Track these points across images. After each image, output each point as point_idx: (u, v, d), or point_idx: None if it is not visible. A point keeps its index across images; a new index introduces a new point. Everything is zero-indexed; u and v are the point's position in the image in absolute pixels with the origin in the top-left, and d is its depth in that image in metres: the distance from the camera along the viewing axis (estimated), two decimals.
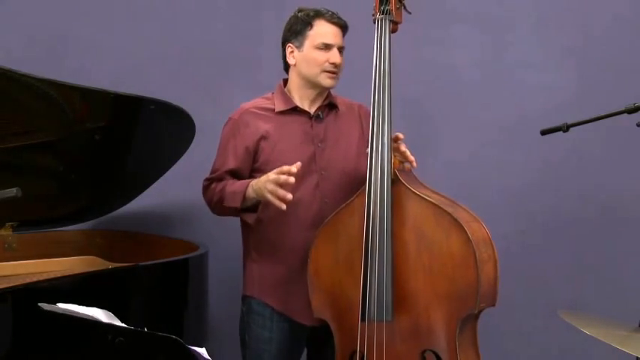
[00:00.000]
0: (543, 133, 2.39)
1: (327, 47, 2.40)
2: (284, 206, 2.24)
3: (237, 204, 2.38)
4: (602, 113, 2.29)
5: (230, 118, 2.51)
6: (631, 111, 2.22)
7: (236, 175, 2.46)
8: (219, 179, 2.47)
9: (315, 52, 2.40)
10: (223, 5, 3.50)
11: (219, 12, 3.50)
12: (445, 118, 3.31)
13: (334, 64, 2.40)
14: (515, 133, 3.23)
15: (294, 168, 2.24)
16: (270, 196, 2.26)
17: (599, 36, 3.20)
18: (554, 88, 3.23)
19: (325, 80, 2.42)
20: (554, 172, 3.23)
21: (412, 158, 2.30)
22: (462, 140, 3.30)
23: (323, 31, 2.40)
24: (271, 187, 2.25)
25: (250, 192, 2.35)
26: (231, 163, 2.45)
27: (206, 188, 2.50)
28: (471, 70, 3.30)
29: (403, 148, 2.30)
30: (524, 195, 3.25)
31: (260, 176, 2.36)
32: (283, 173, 2.24)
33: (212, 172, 2.51)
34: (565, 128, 2.33)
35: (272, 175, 2.26)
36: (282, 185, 2.24)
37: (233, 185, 2.41)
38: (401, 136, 2.33)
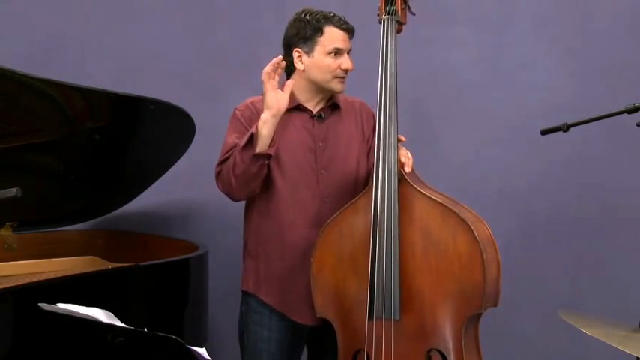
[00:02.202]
0: (543, 133, 2.39)
1: (338, 53, 2.40)
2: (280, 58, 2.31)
3: (252, 130, 2.31)
4: (602, 113, 2.29)
5: (235, 109, 2.50)
6: (631, 111, 2.22)
7: None
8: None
9: (327, 58, 2.40)
10: (223, 5, 3.50)
11: (219, 12, 3.50)
12: (445, 118, 3.31)
13: (346, 70, 2.41)
14: (515, 133, 3.23)
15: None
16: (270, 83, 2.30)
17: (599, 36, 3.20)
18: (554, 88, 3.23)
19: (337, 85, 2.43)
20: (554, 172, 3.23)
21: (409, 165, 2.30)
22: (462, 140, 3.30)
23: (334, 37, 2.40)
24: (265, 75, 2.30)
25: (260, 124, 2.32)
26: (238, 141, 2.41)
27: (219, 173, 2.41)
28: (470, 70, 3.30)
29: (402, 158, 2.30)
30: (524, 195, 3.25)
31: None
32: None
33: (221, 157, 2.43)
34: (565, 128, 2.33)
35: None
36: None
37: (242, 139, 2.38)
38: (403, 139, 2.33)
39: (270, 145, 2.33)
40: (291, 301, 2.44)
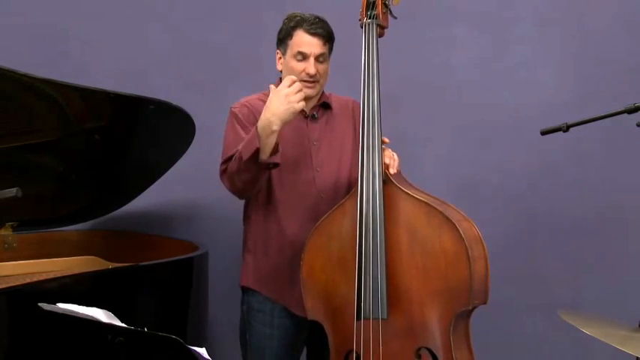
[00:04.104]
0: (543, 133, 2.39)
1: (303, 57, 2.43)
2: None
3: (256, 144, 2.29)
4: (602, 113, 2.29)
5: (231, 108, 2.52)
6: (631, 111, 2.22)
7: None
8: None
9: (293, 62, 2.44)
10: (224, 5, 3.50)
11: (219, 12, 3.50)
12: (444, 117, 3.31)
13: (309, 75, 2.42)
14: (515, 133, 3.23)
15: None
16: (299, 105, 2.29)
17: (599, 36, 3.20)
18: (554, 88, 3.23)
19: (303, 90, 2.42)
20: (554, 172, 3.23)
21: (393, 166, 2.31)
22: (462, 140, 3.30)
23: (300, 41, 2.43)
24: (296, 96, 2.28)
25: (264, 123, 2.28)
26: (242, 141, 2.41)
27: (223, 172, 2.44)
28: (470, 70, 3.30)
29: (387, 159, 2.31)
30: (524, 195, 3.24)
31: None
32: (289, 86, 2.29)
33: (224, 155, 2.45)
34: (565, 128, 2.33)
35: (283, 90, 2.28)
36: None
37: (242, 144, 2.36)
38: (386, 140, 2.36)
39: (275, 150, 2.33)
40: (291, 295, 2.46)
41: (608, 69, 3.18)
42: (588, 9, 3.21)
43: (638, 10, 3.17)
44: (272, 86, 2.36)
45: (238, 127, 2.46)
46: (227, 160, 2.43)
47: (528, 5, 3.28)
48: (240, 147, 2.35)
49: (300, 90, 2.31)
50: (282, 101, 2.28)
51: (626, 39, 3.18)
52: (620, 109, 2.24)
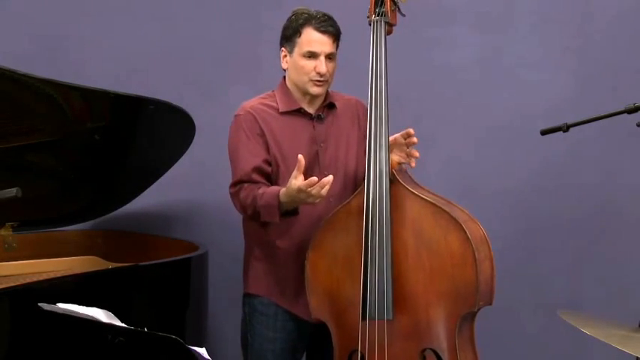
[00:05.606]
0: (543, 133, 2.40)
1: (313, 56, 2.39)
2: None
3: (275, 218, 2.33)
4: (602, 113, 2.29)
5: (236, 116, 2.49)
6: (631, 111, 2.22)
7: (262, 170, 2.41)
8: (247, 181, 2.40)
9: (303, 60, 2.40)
10: (223, 5, 3.50)
11: (219, 11, 3.50)
12: (445, 118, 3.31)
13: (319, 74, 2.39)
14: (515, 133, 3.23)
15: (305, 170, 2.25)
16: (318, 199, 2.24)
17: (599, 36, 3.20)
18: (554, 87, 3.23)
19: (312, 88, 2.42)
20: (554, 172, 3.23)
21: (416, 156, 2.33)
22: (462, 140, 3.30)
23: (310, 40, 2.38)
24: (315, 194, 2.20)
25: (285, 200, 2.29)
26: (253, 161, 2.41)
27: (234, 195, 2.43)
28: (470, 70, 3.30)
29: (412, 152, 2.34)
30: (524, 195, 3.24)
31: None
32: (310, 186, 2.19)
33: (235, 177, 2.44)
34: (565, 128, 2.33)
35: (314, 190, 2.19)
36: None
37: (262, 198, 2.34)
38: (412, 132, 2.34)
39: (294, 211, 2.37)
40: (299, 302, 2.44)
41: (608, 69, 3.18)
42: (588, 9, 3.21)
43: (639, 10, 3.17)
44: (300, 158, 2.22)
45: (244, 138, 2.43)
46: (237, 183, 2.42)
47: (528, 5, 3.28)
48: (259, 202, 2.33)
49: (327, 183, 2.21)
50: (308, 197, 2.23)
51: (626, 39, 3.18)
52: (620, 109, 2.25)
